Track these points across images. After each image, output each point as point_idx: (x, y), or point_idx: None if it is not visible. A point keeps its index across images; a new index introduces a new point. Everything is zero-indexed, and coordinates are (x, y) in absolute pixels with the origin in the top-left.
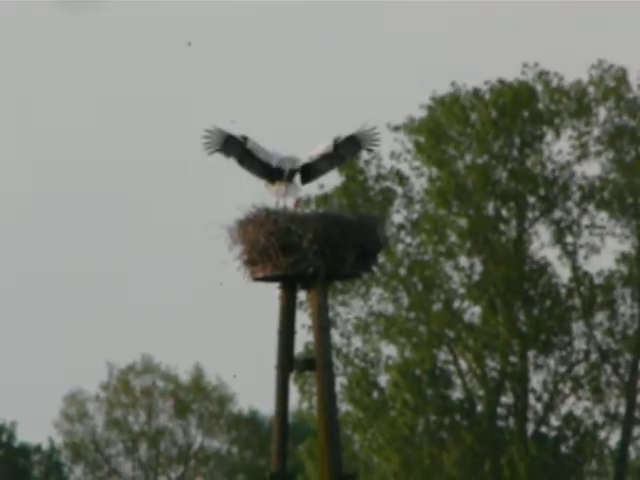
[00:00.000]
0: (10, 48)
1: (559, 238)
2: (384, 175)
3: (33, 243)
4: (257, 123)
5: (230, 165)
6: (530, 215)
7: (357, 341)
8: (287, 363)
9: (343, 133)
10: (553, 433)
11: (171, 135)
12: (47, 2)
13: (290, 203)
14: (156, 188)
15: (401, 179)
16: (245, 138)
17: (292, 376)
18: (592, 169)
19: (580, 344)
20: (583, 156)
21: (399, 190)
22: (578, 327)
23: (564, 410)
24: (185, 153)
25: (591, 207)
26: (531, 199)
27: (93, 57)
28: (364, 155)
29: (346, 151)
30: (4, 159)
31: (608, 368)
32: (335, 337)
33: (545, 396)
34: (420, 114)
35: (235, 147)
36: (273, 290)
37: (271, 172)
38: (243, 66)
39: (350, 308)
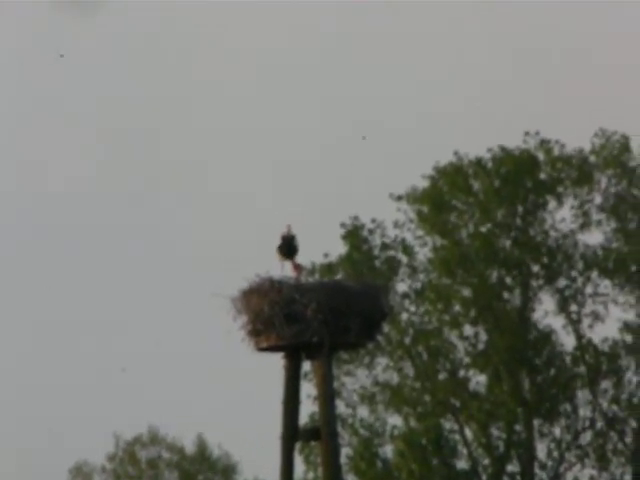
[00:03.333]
0: (10, 48)
1: (563, 306)
2: (388, 244)
3: (37, 310)
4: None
5: (233, 237)
6: (534, 283)
7: (362, 411)
8: (292, 433)
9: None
10: None
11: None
12: (47, 2)
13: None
14: (159, 254)
15: (405, 248)
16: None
17: (297, 446)
18: (595, 237)
19: (585, 412)
20: (585, 225)
21: (404, 259)
22: (583, 395)
23: (570, 478)
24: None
25: (594, 275)
26: (535, 267)
27: (93, 57)
28: (368, 224)
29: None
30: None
31: (614, 436)
32: (340, 407)
33: (551, 464)
34: (423, 184)
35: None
36: (278, 360)
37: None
38: (243, 67)
39: (355, 378)
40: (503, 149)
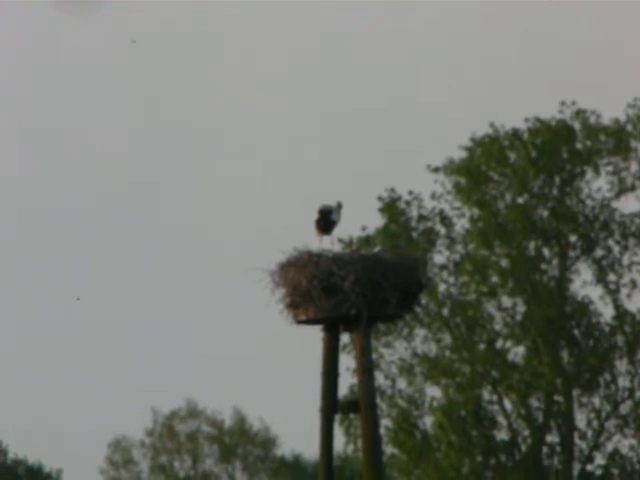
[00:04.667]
0: (10, 48)
1: (601, 277)
2: (426, 216)
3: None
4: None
5: (271, 210)
6: (572, 254)
7: (401, 383)
8: (331, 406)
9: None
10: (599, 471)
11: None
12: (47, 2)
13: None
14: (199, 227)
15: (442, 220)
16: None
17: (336, 419)
18: (632, 206)
19: (624, 382)
20: (621, 192)
21: (442, 231)
22: (622, 365)
23: (610, 448)
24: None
25: (631, 244)
26: (572, 238)
27: (93, 57)
28: (405, 196)
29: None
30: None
31: None
32: (379, 379)
33: (590, 434)
34: (459, 155)
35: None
36: (316, 333)
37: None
38: (244, 68)
39: (393, 350)
40: (539, 120)
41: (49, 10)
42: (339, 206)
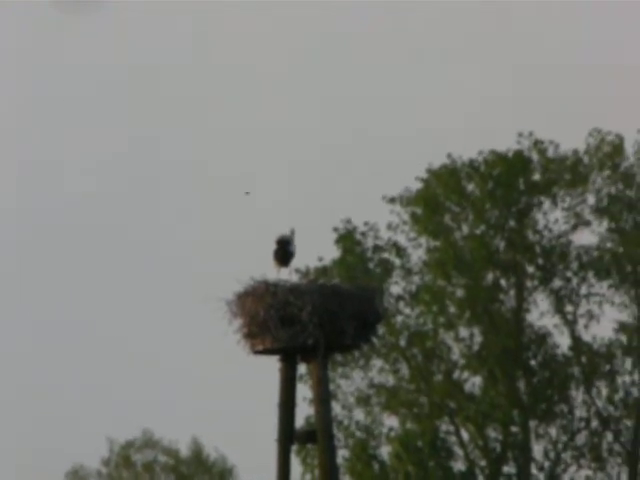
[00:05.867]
0: (9, 48)
1: (558, 307)
2: (382, 247)
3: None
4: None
5: (227, 238)
6: (529, 284)
7: (358, 413)
8: (288, 436)
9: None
10: None
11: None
12: (47, 2)
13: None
14: (154, 257)
15: (398, 250)
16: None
17: (293, 449)
18: (588, 238)
19: (581, 412)
20: (579, 225)
21: (397, 261)
22: (578, 395)
23: (566, 479)
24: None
25: (590, 275)
26: (529, 268)
27: (93, 57)
28: (361, 227)
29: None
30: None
31: (609, 435)
32: (336, 409)
33: (547, 465)
34: (416, 186)
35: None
36: (273, 362)
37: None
38: (244, 68)
39: (350, 380)
40: (495, 152)
41: (49, 10)
42: (292, 232)
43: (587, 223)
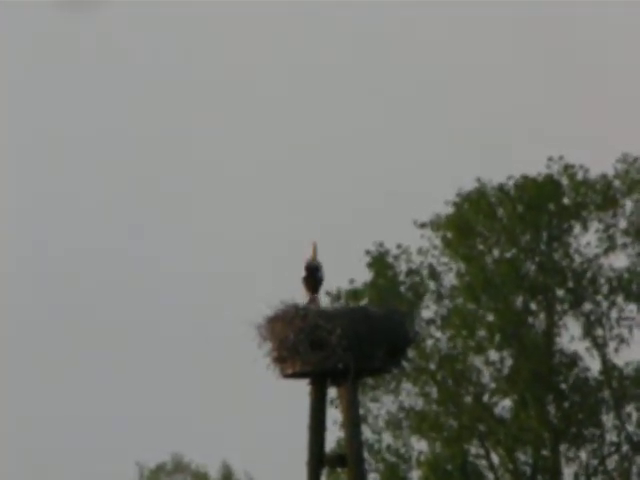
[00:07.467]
0: (9, 48)
1: (588, 331)
2: (414, 270)
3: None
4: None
5: (259, 263)
6: (559, 308)
7: (388, 437)
8: (318, 459)
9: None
10: None
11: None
12: (47, 2)
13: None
14: (183, 280)
15: (432, 273)
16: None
17: (323, 473)
18: (620, 261)
19: (611, 436)
20: (610, 249)
21: (430, 285)
22: (609, 420)
23: None
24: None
25: (620, 299)
26: (560, 292)
27: (93, 57)
28: (393, 250)
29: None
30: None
31: (639, 459)
32: (366, 433)
33: None
34: (446, 210)
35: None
36: (303, 386)
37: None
38: (244, 68)
39: (381, 404)
40: (524, 176)
41: (49, 10)
42: (315, 247)
43: (622, 246)
